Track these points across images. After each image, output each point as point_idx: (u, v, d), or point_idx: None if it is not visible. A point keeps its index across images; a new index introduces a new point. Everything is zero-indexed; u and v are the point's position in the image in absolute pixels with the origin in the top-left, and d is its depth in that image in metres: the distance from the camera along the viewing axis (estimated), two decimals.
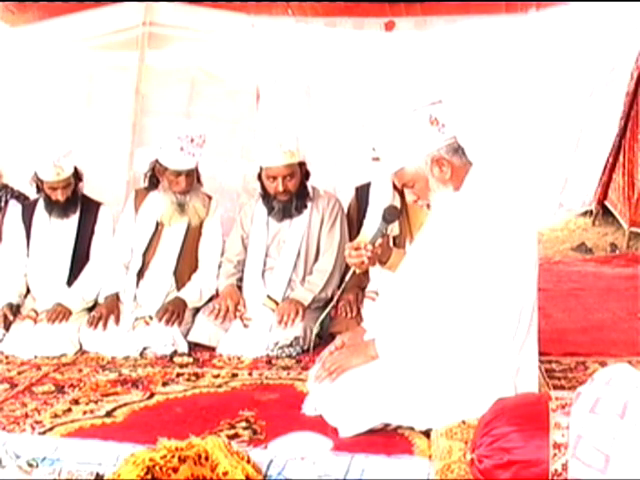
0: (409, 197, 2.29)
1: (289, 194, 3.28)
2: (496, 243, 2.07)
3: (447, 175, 2.18)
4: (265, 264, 3.38)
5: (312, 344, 2.93)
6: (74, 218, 3.51)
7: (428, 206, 2.29)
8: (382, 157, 2.27)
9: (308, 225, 3.36)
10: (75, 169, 3.46)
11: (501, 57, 5.90)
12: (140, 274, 3.43)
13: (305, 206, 3.35)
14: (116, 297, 3.39)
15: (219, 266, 3.45)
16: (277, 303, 3.26)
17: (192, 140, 3.30)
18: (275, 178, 3.22)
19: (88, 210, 3.56)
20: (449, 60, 5.86)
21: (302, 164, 3.30)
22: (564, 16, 5.72)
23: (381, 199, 3.26)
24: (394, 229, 3.11)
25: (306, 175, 3.35)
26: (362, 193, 3.51)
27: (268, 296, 3.29)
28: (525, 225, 2.14)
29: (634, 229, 6.20)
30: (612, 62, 5.90)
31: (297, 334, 3.11)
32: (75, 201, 3.51)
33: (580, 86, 6.01)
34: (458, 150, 2.20)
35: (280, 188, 3.23)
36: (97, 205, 3.63)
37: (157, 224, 3.48)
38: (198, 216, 3.47)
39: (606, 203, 6.52)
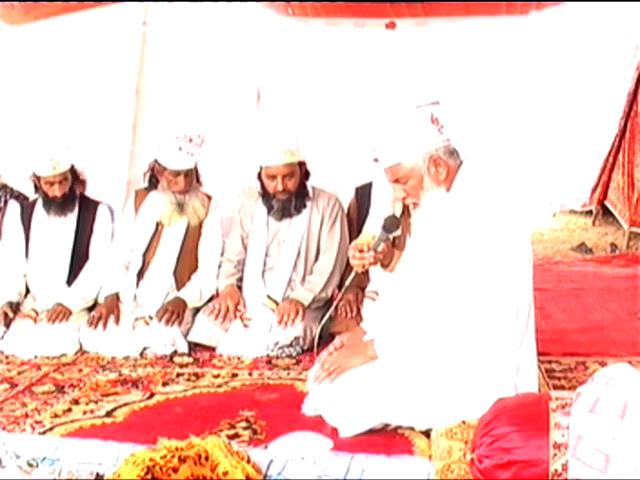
0: (398, 193, 2.28)
1: (288, 193, 3.28)
2: (489, 242, 2.08)
3: (442, 176, 2.19)
4: (265, 264, 3.38)
5: (315, 344, 2.93)
6: (72, 217, 3.51)
7: (414, 205, 2.30)
8: (380, 151, 2.27)
9: (308, 225, 3.36)
10: (72, 166, 3.45)
11: (501, 57, 5.90)
12: (140, 274, 3.43)
13: (304, 205, 3.34)
14: (116, 297, 3.39)
15: (219, 266, 3.45)
16: (277, 303, 3.26)
17: (190, 140, 3.30)
18: (274, 177, 3.22)
19: (87, 209, 3.56)
20: (449, 60, 5.86)
21: (302, 164, 3.30)
22: (564, 17, 5.72)
23: (383, 199, 3.25)
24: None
25: (306, 175, 3.35)
26: (362, 193, 3.51)
27: (268, 296, 3.29)
28: (517, 224, 2.15)
29: (634, 229, 6.19)
30: (612, 63, 5.91)
31: (297, 334, 3.11)
32: (72, 198, 3.50)
33: (580, 86, 6.01)
34: (454, 152, 2.22)
35: (279, 187, 3.23)
36: (95, 204, 3.62)
37: (157, 224, 3.48)
38: (197, 216, 3.47)
39: (606, 203, 6.52)
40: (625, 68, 5.90)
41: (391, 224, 2.39)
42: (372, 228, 2.92)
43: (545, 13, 5.63)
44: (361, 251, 2.34)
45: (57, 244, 3.49)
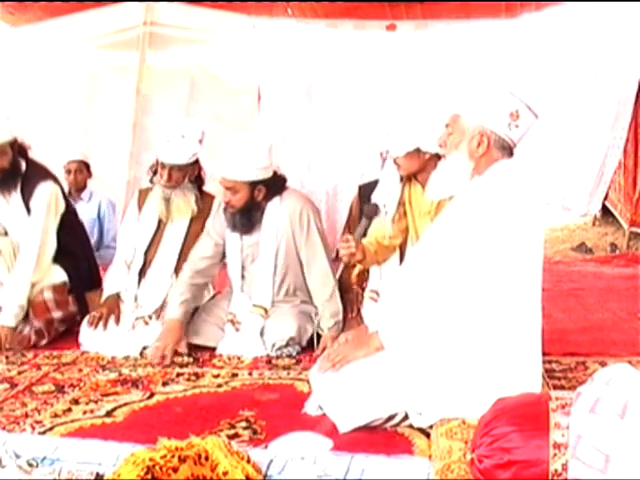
0: (440, 139, 2.29)
1: (233, 208, 3.13)
2: (504, 239, 2.10)
3: (477, 154, 2.20)
4: (243, 277, 3.28)
5: (315, 342, 2.93)
6: (16, 196, 3.27)
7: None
8: (456, 96, 2.30)
9: (277, 239, 3.18)
10: (15, 139, 3.26)
11: (502, 58, 5.90)
12: (142, 273, 3.42)
13: (252, 225, 3.16)
14: (117, 297, 3.37)
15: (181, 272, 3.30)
16: (265, 309, 3.18)
17: (186, 136, 3.27)
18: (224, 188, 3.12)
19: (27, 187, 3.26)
20: (450, 60, 5.87)
21: (256, 183, 3.07)
22: (562, 18, 5.73)
23: (388, 197, 3.23)
24: (388, 230, 3.03)
25: (270, 192, 3.13)
26: (365, 191, 3.51)
27: (254, 305, 3.21)
28: (532, 224, 2.16)
29: (634, 229, 6.19)
30: (614, 62, 5.90)
31: (291, 335, 3.08)
32: (15, 175, 3.24)
33: (581, 86, 6.01)
34: (505, 149, 2.22)
35: (224, 200, 3.14)
36: (36, 182, 3.27)
37: (159, 222, 3.46)
38: (179, 214, 3.39)
39: (606, 203, 6.52)
40: (628, 67, 5.89)
41: (370, 210, 2.52)
42: (379, 222, 2.94)
43: (543, 13, 5.64)
44: (347, 240, 2.40)
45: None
